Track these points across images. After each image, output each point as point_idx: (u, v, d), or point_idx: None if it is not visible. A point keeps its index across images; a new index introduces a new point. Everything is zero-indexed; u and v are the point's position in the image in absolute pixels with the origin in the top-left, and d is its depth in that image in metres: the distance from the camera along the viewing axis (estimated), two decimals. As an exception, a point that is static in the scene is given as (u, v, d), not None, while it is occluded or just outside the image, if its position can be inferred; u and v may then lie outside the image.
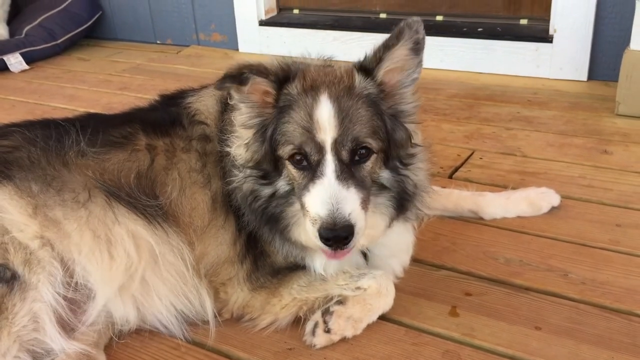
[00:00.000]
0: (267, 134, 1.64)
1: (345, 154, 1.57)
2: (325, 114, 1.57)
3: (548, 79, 3.91)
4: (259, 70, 1.59)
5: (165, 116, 1.85)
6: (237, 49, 4.95)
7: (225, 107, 1.82)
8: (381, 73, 1.64)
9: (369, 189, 1.62)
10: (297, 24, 4.71)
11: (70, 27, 5.21)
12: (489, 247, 2.13)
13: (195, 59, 4.85)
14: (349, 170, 1.57)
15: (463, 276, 1.98)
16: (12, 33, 5.05)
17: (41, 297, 1.57)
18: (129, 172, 1.74)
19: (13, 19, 5.23)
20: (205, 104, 1.87)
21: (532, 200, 2.33)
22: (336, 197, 1.52)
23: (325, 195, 1.53)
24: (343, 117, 1.57)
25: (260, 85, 1.62)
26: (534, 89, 3.79)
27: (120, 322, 1.70)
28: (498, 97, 3.71)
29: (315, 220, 1.53)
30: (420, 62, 1.65)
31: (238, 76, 1.57)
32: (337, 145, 1.56)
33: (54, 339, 1.59)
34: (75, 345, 1.60)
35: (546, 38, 3.89)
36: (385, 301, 1.75)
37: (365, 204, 1.58)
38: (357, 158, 1.59)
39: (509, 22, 4.20)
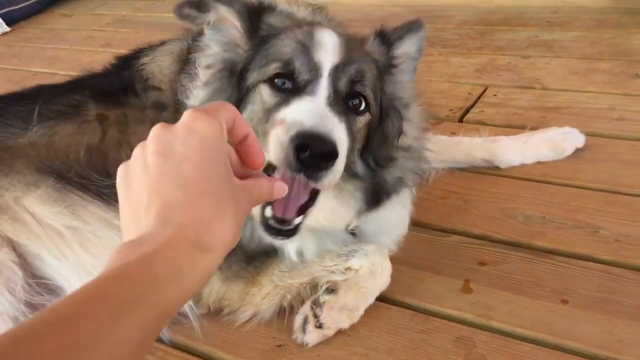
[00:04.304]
0: (237, 69, 1.38)
1: (344, 84, 1.29)
2: (328, 37, 1.32)
3: (569, -6, 3.51)
4: None
5: (118, 82, 1.61)
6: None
7: (182, 66, 1.57)
8: (399, 50, 1.46)
9: (350, 154, 1.33)
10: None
11: (51, -19, 4.90)
12: (506, 204, 1.86)
13: (184, 4, 4.49)
14: (343, 107, 1.28)
15: (477, 241, 1.73)
16: (-12, -7, 4.75)
17: None
18: (78, 147, 1.51)
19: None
20: (159, 65, 1.61)
21: (554, 143, 2.03)
22: (326, 114, 1.22)
23: (311, 107, 1.22)
24: (349, 50, 1.33)
25: (226, 16, 1.39)
26: (553, 7, 3.40)
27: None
28: (513, 20, 3.34)
29: (292, 125, 1.17)
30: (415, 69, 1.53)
31: (197, 2, 1.37)
32: (337, 72, 1.29)
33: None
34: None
35: (565, -52, 3.46)
36: (381, 281, 1.51)
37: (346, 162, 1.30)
38: (350, 104, 1.32)
39: None
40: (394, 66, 1.46)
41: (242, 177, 0.89)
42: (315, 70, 1.28)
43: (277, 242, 1.34)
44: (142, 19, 4.33)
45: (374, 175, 1.43)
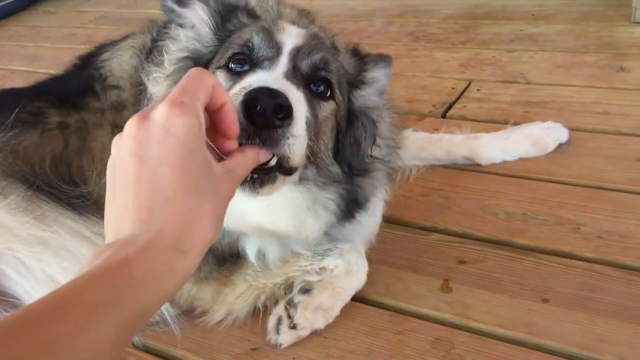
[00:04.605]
0: (201, 63, 1.33)
1: (306, 65, 1.22)
2: (292, 26, 1.30)
3: (555, -14, 3.47)
4: None
5: (77, 83, 1.56)
6: (213, -15, 4.53)
7: (145, 59, 1.52)
8: (371, 73, 1.42)
9: (317, 146, 1.23)
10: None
11: (34, -23, 4.83)
12: (488, 200, 1.83)
13: (168, 0, 4.43)
14: (303, 85, 1.20)
15: (457, 239, 1.69)
16: (-31, -9, 4.68)
17: None
18: (43, 156, 1.46)
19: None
20: (119, 61, 1.56)
21: (536, 138, 2.00)
22: (278, 81, 1.12)
23: (263, 76, 1.14)
24: (315, 39, 1.29)
25: (200, 12, 1.37)
26: (539, 0, 3.37)
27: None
28: (498, 14, 3.30)
29: (241, 91, 1.06)
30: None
31: None
32: (298, 53, 1.22)
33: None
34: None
35: (550, -60, 3.43)
36: (356, 280, 1.48)
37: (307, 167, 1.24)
38: (314, 89, 1.24)
39: None
40: (364, 83, 1.40)
41: (223, 151, 0.90)
42: (274, 48, 1.22)
43: (247, 195, 1.13)
44: (125, 15, 4.27)
45: (351, 181, 1.36)
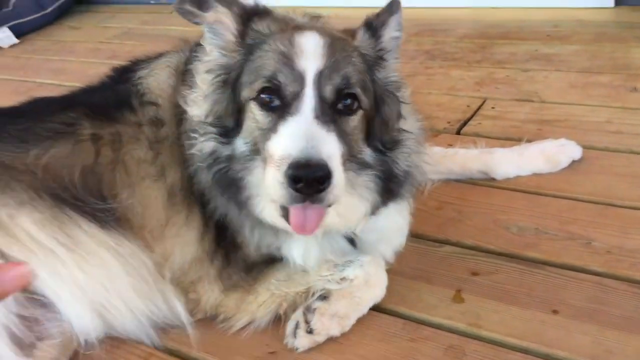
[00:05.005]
0: (231, 79, 1.41)
1: (329, 91, 1.32)
2: (311, 40, 1.35)
3: (570, 8, 3.56)
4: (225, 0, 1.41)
5: (113, 97, 1.61)
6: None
7: (182, 79, 1.58)
8: (386, 36, 1.47)
9: (350, 151, 1.36)
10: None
11: (60, -7, 4.97)
12: (500, 215, 1.88)
13: (189, 17, 4.55)
14: (331, 114, 1.31)
15: (470, 252, 1.74)
16: (-2, 6, 4.83)
17: None
18: (72, 168, 1.51)
19: (-1, -8, 5.00)
20: (157, 79, 1.62)
21: (549, 155, 2.05)
22: (313, 134, 1.25)
23: (299, 132, 1.26)
24: (333, 52, 1.34)
25: (223, 17, 1.42)
26: (554, 21, 3.43)
27: (83, 332, 1.52)
28: (514, 34, 3.37)
29: (282, 161, 1.22)
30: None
31: (199, 0, 1.40)
32: (321, 78, 1.31)
33: (9, 359, 1.42)
34: (31, 365, 1.44)
35: (566, -37, 3.50)
36: (375, 292, 1.54)
37: (344, 165, 1.33)
38: (341, 106, 1.34)
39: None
40: (383, 59, 1.48)
41: None
42: (299, 80, 1.31)
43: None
44: (148, 31, 4.39)
45: (384, 162, 1.45)
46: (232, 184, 1.42)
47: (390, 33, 1.49)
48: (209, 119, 1.43)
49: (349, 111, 1.36)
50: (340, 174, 1.27)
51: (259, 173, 1.37)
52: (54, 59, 4.08)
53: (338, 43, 1.39)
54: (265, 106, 1.34)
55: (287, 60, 1.32)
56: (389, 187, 1.46)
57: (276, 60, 1.33)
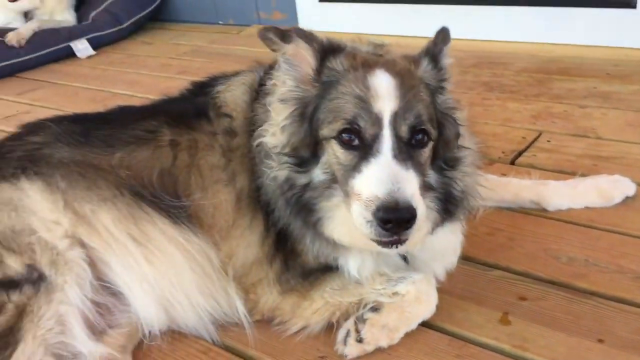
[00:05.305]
0: (308, 113, 1.50)
1: (405, 131, 1.42)
2: (384, 81, 1.45)
3: (631, 48, 3.55)
4: (305, 34, 1.50)
5: (192, 108, 1.76)
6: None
7: (255, 96, 1.72)
8: (444, 64, 1.57)
9: (423, 179, 1.47)
10: (358, -2, 4.52)
11: (135, 11, 5.28)
12: (551, 244, 1.92)
13: (255, 39, 4.53)
14: (407, 151, 1.42)
15: (518, 277, 1.79)
16: (79, 19, 5.15)
17: (68, 299, 1.53)
18: (152, 170, 1.67)
19: (80, 5, 5.33)
20: (233, 95, 1.76)
21: (603, 190, 2.09)
22: (396, 176, 1.36)
23: (383, 174, 1.37)
24: (405, 91, 1.44)
25: (302, 52, 1.51)
26: (614, 60, 3.45)
27: (149, 324, 1.65)
28: (573, 70, 3.39)
29: (371, 201, 1.35)
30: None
31: (283, 31, 1.50)
32: (396, 119, 1.41)
33: (82, 341, 1.54)
34: (102, 349, 1.56)
35: (629, 3, 3.51)
36: (425, 308, 1.61)
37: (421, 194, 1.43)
38: (414, 142, 1.44)
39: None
40: (443, 87, 1.57)
41: None
42: (377, 123, 1.41)
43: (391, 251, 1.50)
44: (216, 50, 4.61)
45: (445, 183, 1.54)
46: (304, 208, 1.53)
47: (447, 61, 1.58)
48: (286, 150, 1.53)
49: (421, 144, 1.46)
50: (422, 208, 1.38)
51: (333, 200, 1.49)
52: (128, 71, 4.34)
53: (407, 80, 1.47)
54: (346, 145, 1.44)
55: (364, 104, 1.42)
56: (447, 208, 1.55)
57: (354, 104, 1.43)
